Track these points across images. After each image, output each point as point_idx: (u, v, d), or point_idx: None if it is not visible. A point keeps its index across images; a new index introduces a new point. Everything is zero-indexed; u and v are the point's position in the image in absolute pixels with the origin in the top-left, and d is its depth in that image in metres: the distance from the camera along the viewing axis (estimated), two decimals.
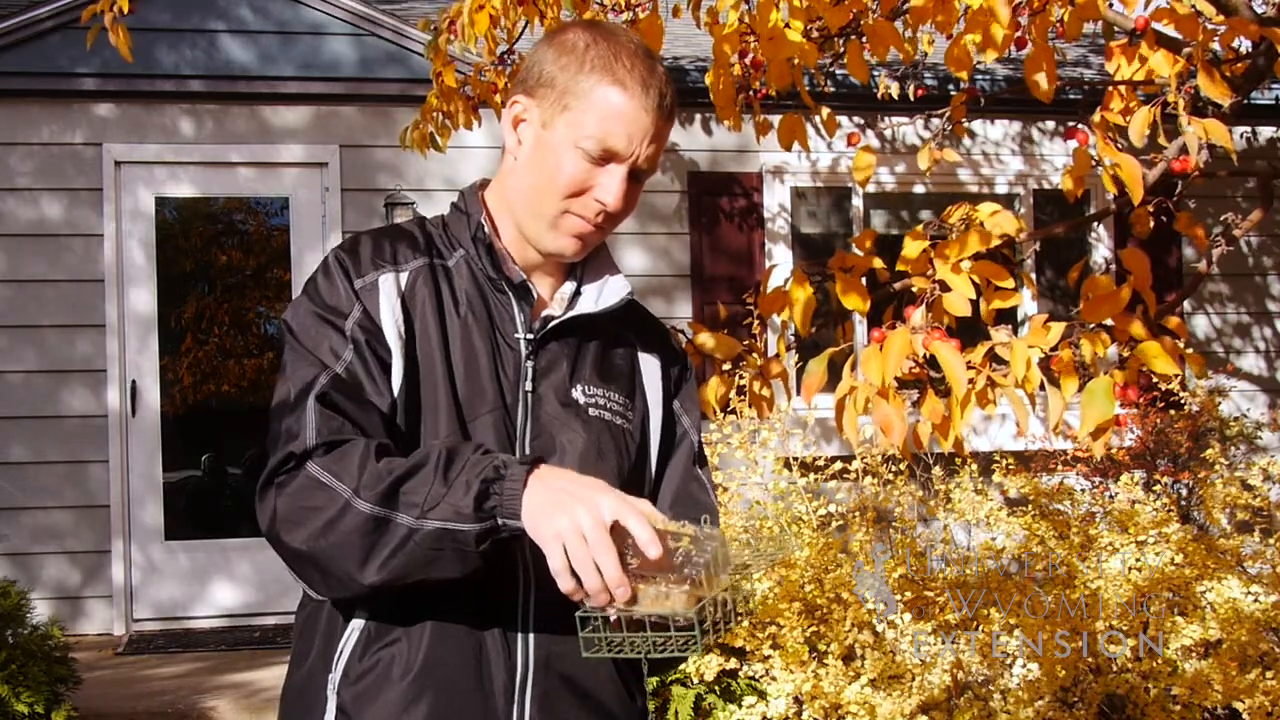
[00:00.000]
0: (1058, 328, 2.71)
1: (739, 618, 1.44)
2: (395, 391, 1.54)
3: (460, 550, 1.40)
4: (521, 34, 4.56)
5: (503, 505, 1.38)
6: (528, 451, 1.58)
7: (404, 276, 1.60)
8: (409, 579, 1.43)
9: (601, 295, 1.68)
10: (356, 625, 1.53)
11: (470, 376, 1.57)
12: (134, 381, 6.31)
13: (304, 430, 1.48)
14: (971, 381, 2.60)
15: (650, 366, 1.75)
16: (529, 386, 1.60)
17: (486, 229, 1.63)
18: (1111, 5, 3.57)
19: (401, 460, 1.44)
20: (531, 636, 1.54)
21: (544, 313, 1.65)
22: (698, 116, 6.92)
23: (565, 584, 1.37)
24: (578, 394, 1.63)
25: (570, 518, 1.35)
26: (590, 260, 1.70)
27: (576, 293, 1.68)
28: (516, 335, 1.62)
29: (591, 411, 1.63)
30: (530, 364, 1.61)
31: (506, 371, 1.59)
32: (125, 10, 4.21)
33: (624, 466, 1.65)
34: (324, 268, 1.61)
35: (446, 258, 1.64)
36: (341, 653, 1.53)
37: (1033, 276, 6.97)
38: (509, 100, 1.63)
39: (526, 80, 1.61)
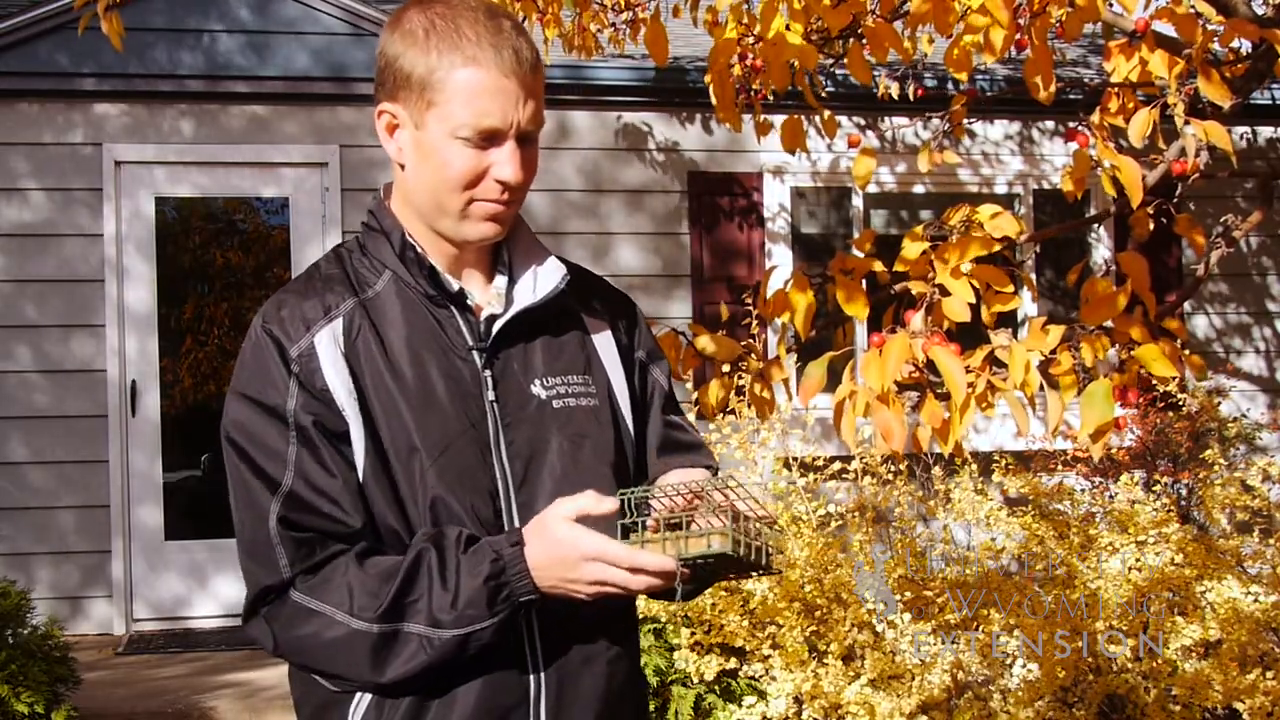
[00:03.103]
0: (1056, 331, 2.71)
1: (771, 555, 1.52)
2: (360, 454, 1.52)
3: (480, 642, 1.48)
4: None
5: (514, 590, 1.47)
6: (505, 462, 1.56)
7: (339, 325, 1.55)
8: (431, 672, 1.49)
9: (538, 283, 1.64)
10: (365, 696, 1.53)
11: (435, 407, 1.54)
12: (134, 381, 6.31)
13: (276, 561, 1.50)
14: (971, 385, 2.60)
15: (599, 329, 1.71)
16: (491, 396, 1.57)
17: (419, 248, 1.59)
18: (1111, 6, 3.57)
19: (387, 563, 1.48)
20: (543, 674, 1.55)
21: (485, 313, 1.61)
22: (698, 116, 6.91)
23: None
24: (538, 389, 1.60)
25: (582, 578, 1.46)
26: (514, 244, 1.67)
27: (510, 284, 1.64)
28: (468, 346, 1.58)
29: (556, 404, 1.60)
30: (488, 373, 1.58)
31: (467, 388, 1.56)
32: None
33: (604, 441, 1.63)
34: (252, 346, 1.56)
35: (372, 283, 1.60)
36: (354, 714, 1.53)
37: (1033, 278, 6.96)
38: (376, 110, 1.58)
39: (385, 84, 1.56)
